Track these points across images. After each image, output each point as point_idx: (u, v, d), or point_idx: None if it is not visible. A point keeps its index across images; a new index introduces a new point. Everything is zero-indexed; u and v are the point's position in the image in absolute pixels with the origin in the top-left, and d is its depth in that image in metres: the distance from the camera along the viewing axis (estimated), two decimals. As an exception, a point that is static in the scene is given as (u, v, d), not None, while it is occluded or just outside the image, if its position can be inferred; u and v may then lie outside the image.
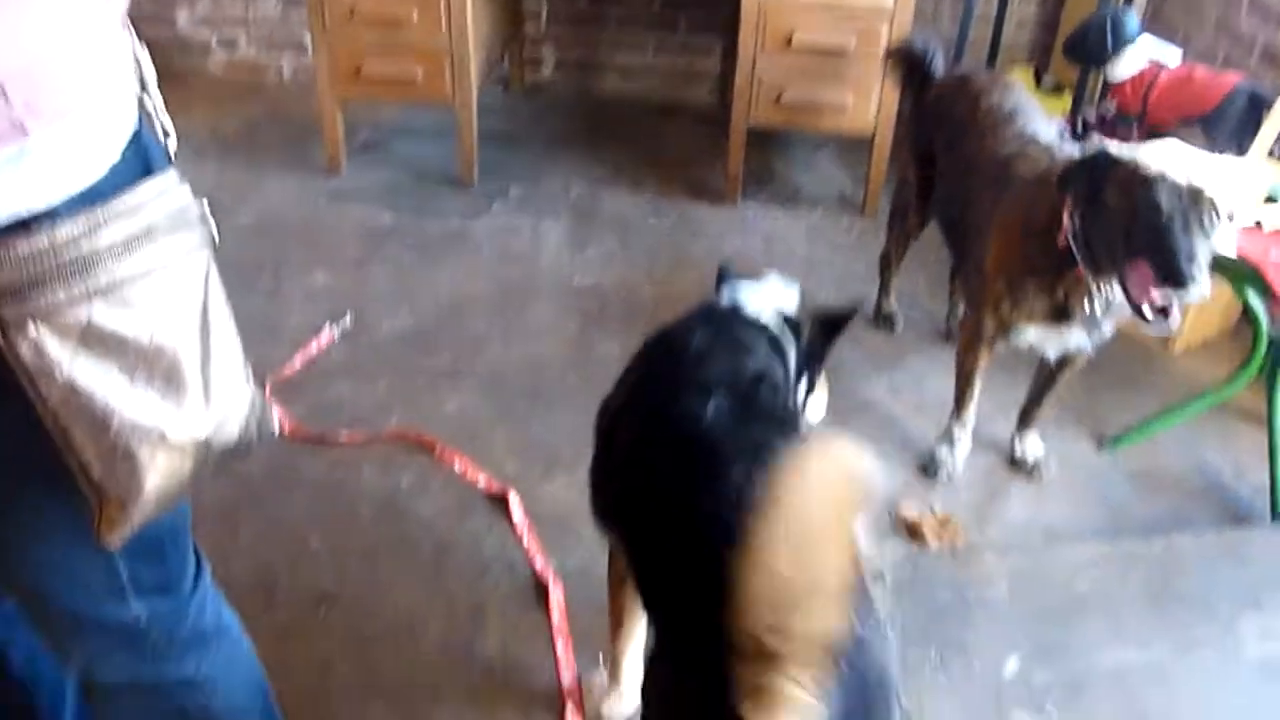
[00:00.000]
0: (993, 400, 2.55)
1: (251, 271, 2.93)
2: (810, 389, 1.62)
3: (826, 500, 0.88)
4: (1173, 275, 1.71)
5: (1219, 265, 2.07)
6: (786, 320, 1.55)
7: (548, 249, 3.17)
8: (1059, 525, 2.24)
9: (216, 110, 4.03)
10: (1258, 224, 2.11)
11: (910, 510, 2.21)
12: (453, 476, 2.26)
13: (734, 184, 3.45)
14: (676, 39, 4.17)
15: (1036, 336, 2.09)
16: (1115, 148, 1.83)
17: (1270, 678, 1.88)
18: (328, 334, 2.68)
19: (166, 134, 1.01)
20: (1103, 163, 1.81)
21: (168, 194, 0.92)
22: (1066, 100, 3.41)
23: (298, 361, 2.59)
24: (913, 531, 2.16)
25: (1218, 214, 1.72)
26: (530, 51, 4.28)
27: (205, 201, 0.96)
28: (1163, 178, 1.72)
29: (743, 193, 3.48)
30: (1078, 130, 2.93)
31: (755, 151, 3.52)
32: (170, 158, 1.00)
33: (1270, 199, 2.14)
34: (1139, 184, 1.74)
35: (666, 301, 2.79)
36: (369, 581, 2.01)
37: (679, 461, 1.27)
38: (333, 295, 2.88)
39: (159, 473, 0.93)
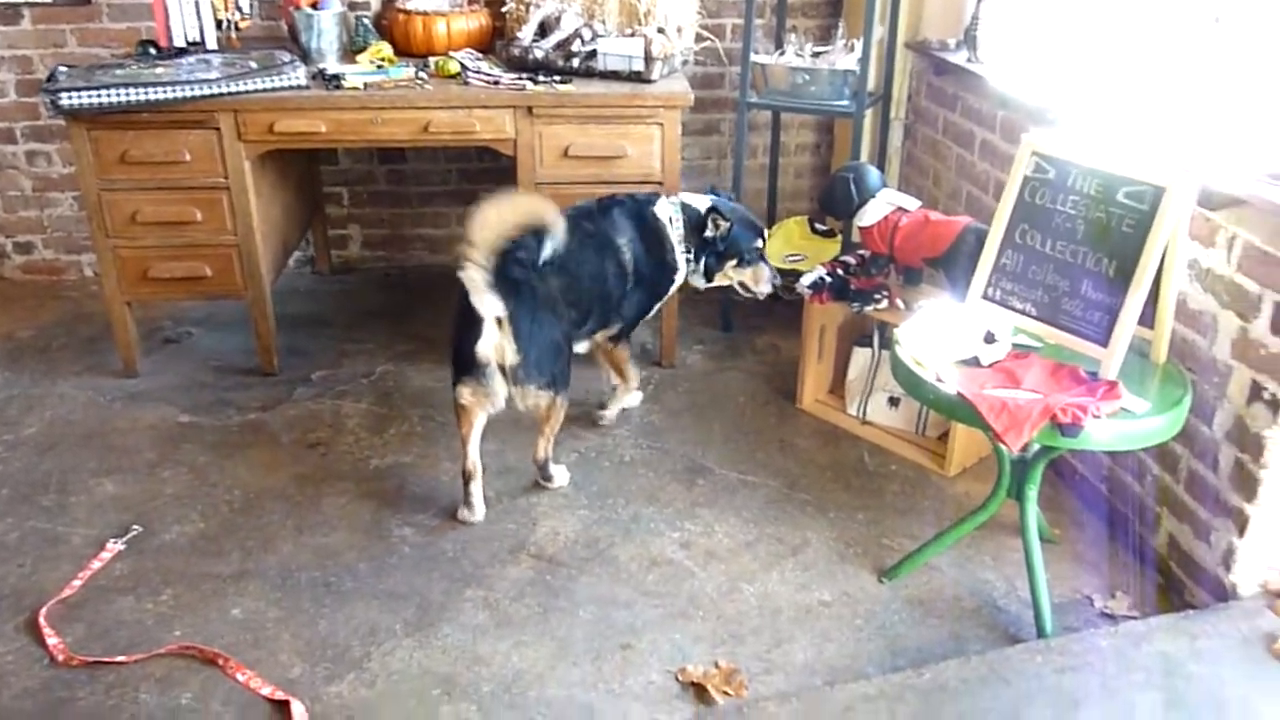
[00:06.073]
0: (769, 551, 2.66)
1: (35, 487, 2.84)
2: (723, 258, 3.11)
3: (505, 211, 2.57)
4: None
5: (941, 402, 2.24)
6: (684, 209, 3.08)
7: (347, 433, 3.18)
8: (841, 664, 2.30)
9: (12, 316, 3.97)
10: (976, 360, 2.28)
11: (695, 670, 2.25)
12: (236, 688, 2.21)
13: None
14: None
15: None
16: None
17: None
18: (111, 549, 2.61)
19: None
20: None
21: None
22: (840, 242, 3.65)
23: (77, 581, 2.51)
24: (698, 691, 2.20)
25: None
26: (335, 231, 4.36)
27: None
28: None
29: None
30: (837, 271, 3.12)
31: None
32: None
33: (987, 338, 2.32)
34: None
35: (462, 477, 2.81)
36: (139, 817, 1.93)
37: None
38: (121, 505, 2.81)
39: None
